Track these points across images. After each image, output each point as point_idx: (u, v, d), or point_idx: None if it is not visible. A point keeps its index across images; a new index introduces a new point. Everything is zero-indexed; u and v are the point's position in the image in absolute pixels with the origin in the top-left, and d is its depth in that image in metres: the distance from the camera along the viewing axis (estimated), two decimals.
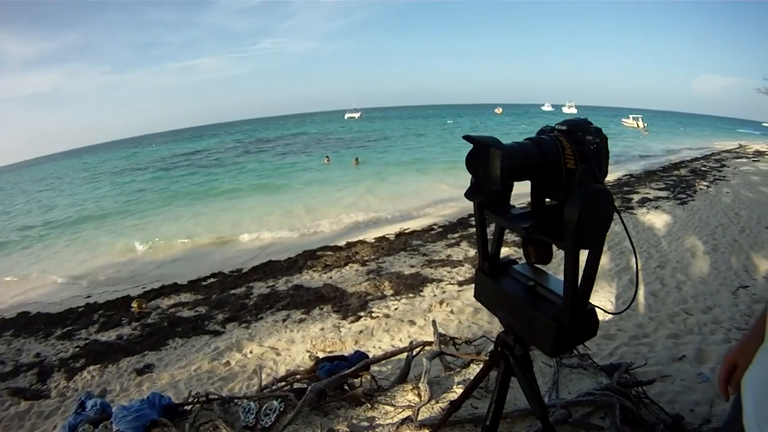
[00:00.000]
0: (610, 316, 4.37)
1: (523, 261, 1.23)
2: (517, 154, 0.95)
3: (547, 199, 1.08)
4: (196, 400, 2.47)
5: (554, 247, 1.12)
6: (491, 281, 1.20)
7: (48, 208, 21.67)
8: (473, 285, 1.32)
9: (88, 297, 8.18)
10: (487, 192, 1.00)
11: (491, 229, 1.22)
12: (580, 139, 0.97)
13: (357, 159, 26.36)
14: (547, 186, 1.03)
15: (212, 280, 8.18)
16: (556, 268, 1.07)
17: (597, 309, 1.04)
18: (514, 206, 1.10)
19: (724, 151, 25.44)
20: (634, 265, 6.05)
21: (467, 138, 0.97)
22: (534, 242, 1.13)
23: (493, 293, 1.22)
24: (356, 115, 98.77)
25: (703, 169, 16.93)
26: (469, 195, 1.03)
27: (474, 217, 1.18)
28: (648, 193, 11.93)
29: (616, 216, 0.98)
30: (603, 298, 5.12)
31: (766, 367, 0.83)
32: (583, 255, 0.95)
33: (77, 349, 5.89)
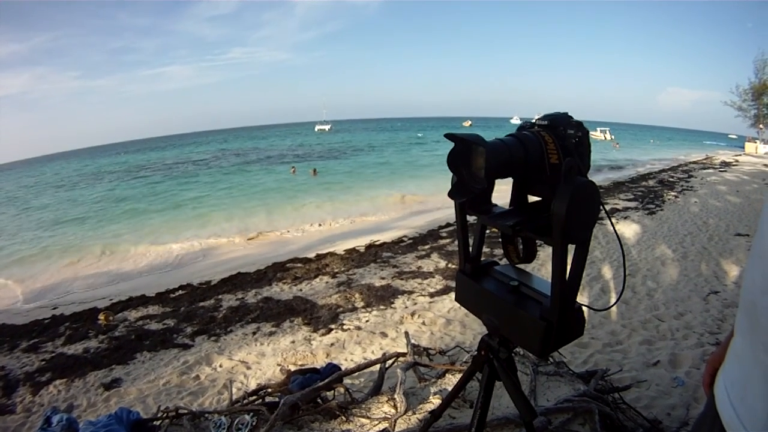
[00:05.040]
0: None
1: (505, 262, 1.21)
2: (501, 150, 0.92)
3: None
4: (165, 415, 2.41)
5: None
6: (474, 283, 1.17)
7: None
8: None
9: (54, 308, 7.89)
10: (471, 191, 0.97)
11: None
12: (562, 134, 0.96)
13: (315, 170, 26.18)
14: (530, 182, 1.02)
15: (180, 292, 7.96)
16: (536, 272, 1.05)
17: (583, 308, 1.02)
18: (496, 205, 1.07)
19: (691, 162, 26.32)
20: (606, 273, 6.14)
21: (449, 136, 0.94)
22: (515, 242, 1.11)
23: (476, 295, 1.18)
24: (327, 127, 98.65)
25: (671, 180, 17.43)
26: (452, 195, 1.00)
27: (455, 220, 1.14)
28: (617, 204, 12.17)
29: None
30: None
31: (734, 353, 0.84)
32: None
33: (43, 363, 5.65)
